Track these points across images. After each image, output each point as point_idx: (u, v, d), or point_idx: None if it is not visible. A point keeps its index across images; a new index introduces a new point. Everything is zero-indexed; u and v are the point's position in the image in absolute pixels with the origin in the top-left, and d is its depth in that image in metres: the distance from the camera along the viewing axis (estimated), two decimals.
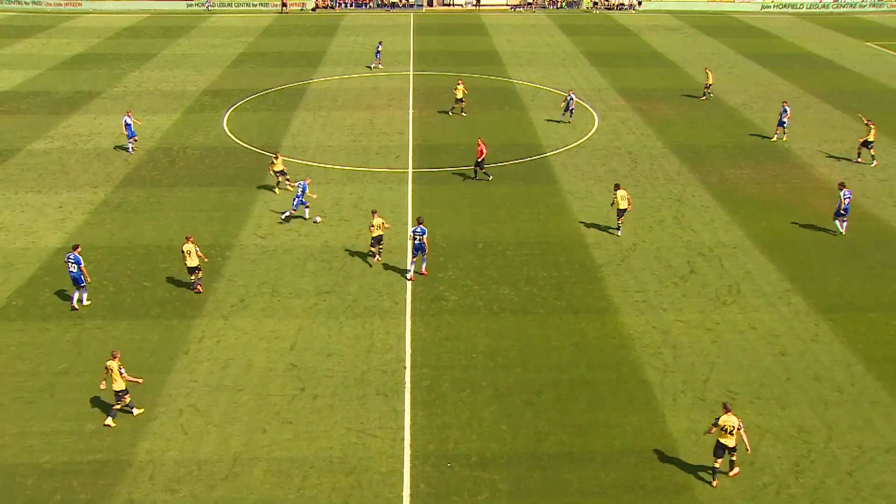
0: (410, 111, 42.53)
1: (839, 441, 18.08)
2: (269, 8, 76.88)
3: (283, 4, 76.03)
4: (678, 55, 57.31)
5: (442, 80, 48.97)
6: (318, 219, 28.94)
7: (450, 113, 41.53)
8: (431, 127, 39.87)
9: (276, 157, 31.34)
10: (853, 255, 26.84)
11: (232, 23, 69.83)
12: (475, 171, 32.81)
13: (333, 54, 56.59)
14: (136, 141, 36.38)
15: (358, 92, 46.39)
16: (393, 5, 77.52)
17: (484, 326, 22.44)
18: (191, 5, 76.94)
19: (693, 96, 46.01)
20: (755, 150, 37.10)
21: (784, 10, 79.71)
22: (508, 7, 78.64)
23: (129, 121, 35.80)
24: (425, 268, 25.30)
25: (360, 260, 26.21)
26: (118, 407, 18.56)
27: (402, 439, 18.04)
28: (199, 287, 24.11)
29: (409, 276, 25.01)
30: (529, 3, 78.75)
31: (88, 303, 23.57)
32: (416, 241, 24.71)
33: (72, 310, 23.20)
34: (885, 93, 47.71)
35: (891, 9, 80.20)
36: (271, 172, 31.51)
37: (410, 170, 34.14)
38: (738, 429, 16.53)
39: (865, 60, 56.10)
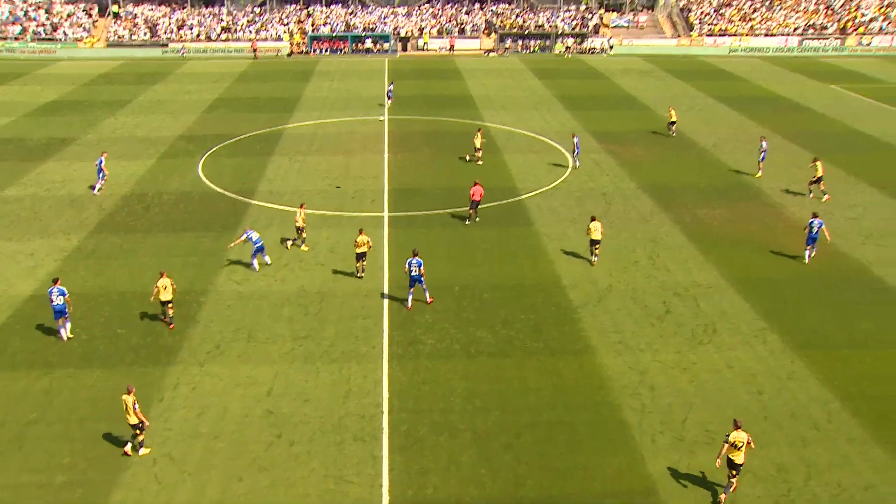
0: (386, 155, 42.88)
1: (818, 479, 18.18)
2: (244, 54, 77.54)
3: (254, 51, 76.68)
4: (650, 98, 58.44)
5: (416, 125, 49.50)
6: (268, 259, 28.82)
7: (467, 159, 41.56)
8: (407, 171, 40.19)
9: (302, 208, 30.42)
10: (826, 292, 27.26)
11: (207, 69, 70.29)
12: (470, 215, 33.00)
13: (309, 99, 57.07)
14: (104, 182, 37.04)
15: (334, 137, 46.73)
16: (367, 51, 78.54)
17: (461, 369, 22.42)
18: (166, 52, 77.41)
19: (662, 134, 46.84)
20: (727, 189, 37.76)
21: (751, 53, 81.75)
22: (482, 52, 79.94)
23: (101, 162, 36.96)
24: (429, 296, 25.95)
25: (337, 304, 26.17)
26: (140, 436, 18.75)
27: (381, 485, 17.87)
28: (169, 320, 24.54)
29: (407, 306, 25.67)
30: (504, 48, 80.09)
31: (72, 334, 24.02)
32: (412, 273, 25.26)
33: (66, 339, 23.80)
34: (849, 134, 48.90)
35: (852, 53, 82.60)
36: (296, 226, 30.40)
37: (386, 213, 34.31)
38: (748, 444, 17.16)
39: (830, 103, 57.55)
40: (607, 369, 22.42)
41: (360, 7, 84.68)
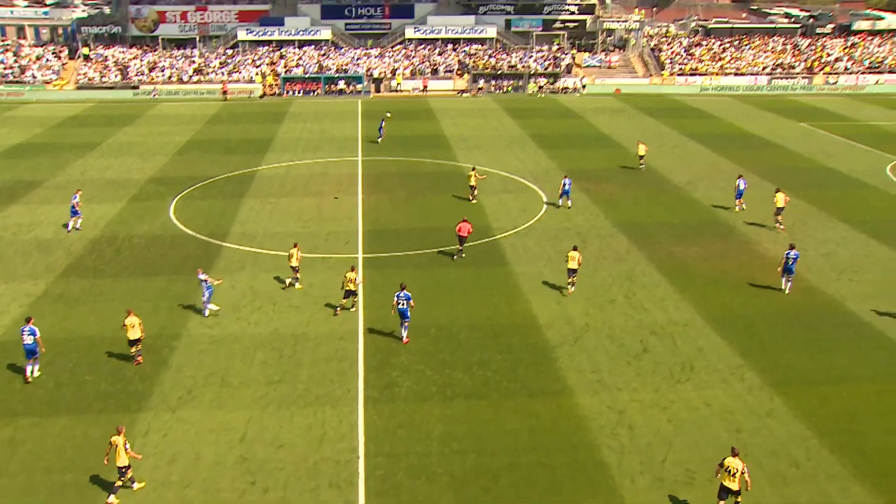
0: (360, 197, 43.05)
1: None
2: (217, 96, 77.84)
3: (224, 93, 76.99)
4: (623, 136, 59.39)
5: (391, 166, 49.84)
6: (215, 307, 28.56)
7: (470, 199, 41.78)
8: (381, 212, 40.34)
9: (296, 248, 30.37)
10: (802, 328, 27.59)
11: (178, 111, 70.42)
12: (458, 251, 33.61)
13: (282, 141, 57.30)
14: (81, 220, 37.42)
15: (307, 178, 46.87)
16: (340, 92, 79.19)
17: (438, 412, 22.32)
18: (137, 94, 77.54)
19: (632, 169, 47.49)
20: (702, 227, 38.29)
21: (721, 92, 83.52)
22: (455, 92, 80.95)
23: (75, 201, 37.38)
24: (406, 336, 26.24)
25: (311, 347, 26.03)
26: (120, 483, 18.56)
27: None
28: (139, 359, 24.68)
29: (403, 340, 26.18)
30: (478, 88, 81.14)
31: (39, 374, 23.90)
32: (400, 307, 25.77)
33: (25, 382, 23.48)
34: (820, 170, 49.95)
35: (819, 92, 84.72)
36: (290, 266, 30.48)
37: (360, 255, 34.34)
38: (742, 472, 17.53)
39: (800, 140, 58.84)
40: (585, 409, 22.44)
41: (332, 48, 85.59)
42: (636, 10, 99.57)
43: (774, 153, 54.40)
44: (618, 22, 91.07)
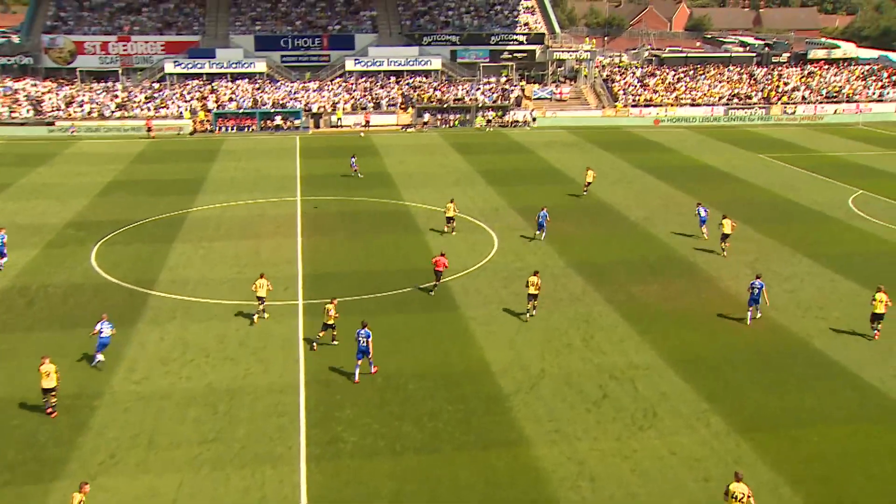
0: (299, 239, 42.89)
1: None
2: (142, 133, 77.07)
3: (149, 129, 76.01)
4: (576, 171, 60.43)
5: (331, 205, 49.84)
6: (100, 357, 28.09)
7: (448, 231, 43.43)
8: (322, 255, 40.23)
9: (262, 277, 31.72)
10: (768, 368, 28.17)
11: (100, 149, 69.52)
12: (435, 286, 35.04)
13: (214, 181, 56.91)
14: (5, 260, 37.52)
15: (242, 220, 46.56)
16: (277, 128, 79.18)
17: (387, 468, 22.13)
18: (52, 130, 76.33)
19: (591, 212, 48.30)
20: (661, 264, 39.02)
21: (677, 123, 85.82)
22: (399, 127, 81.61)
23: (3, 240, 37.73)
24: (374, 366, 27.41)
25: (249, 402, 25.64)
26: None
27: None
28: (53, 412, 24.44)
29: (355, 380, 26.84)
30: (423, 123, 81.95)
31: None
32: (361, 345, 26.64)
33: None
34: (781, 203, 51.48)
35: (777, 122, 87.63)
36: (257, 296, 31.69)
37: (301, 301, 34.12)
38: (749, 496, 18.88)
39: (760, 172, 60.64)
40: (543, 461, 22.48)
41: (268, 82, 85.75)
42: (587, 39, 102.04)
43: (734, 186, 55.90)
44: (568, 52, 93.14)
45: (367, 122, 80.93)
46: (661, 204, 50.56)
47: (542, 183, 56.62)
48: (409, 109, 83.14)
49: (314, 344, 29.34)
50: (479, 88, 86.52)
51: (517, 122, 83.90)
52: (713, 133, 79.98)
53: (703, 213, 42.92)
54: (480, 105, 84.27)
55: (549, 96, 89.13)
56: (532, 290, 31.78)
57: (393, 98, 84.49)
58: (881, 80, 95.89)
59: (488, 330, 31.18)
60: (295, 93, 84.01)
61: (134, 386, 26.73)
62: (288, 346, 29.52)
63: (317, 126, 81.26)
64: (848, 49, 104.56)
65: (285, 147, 70.73)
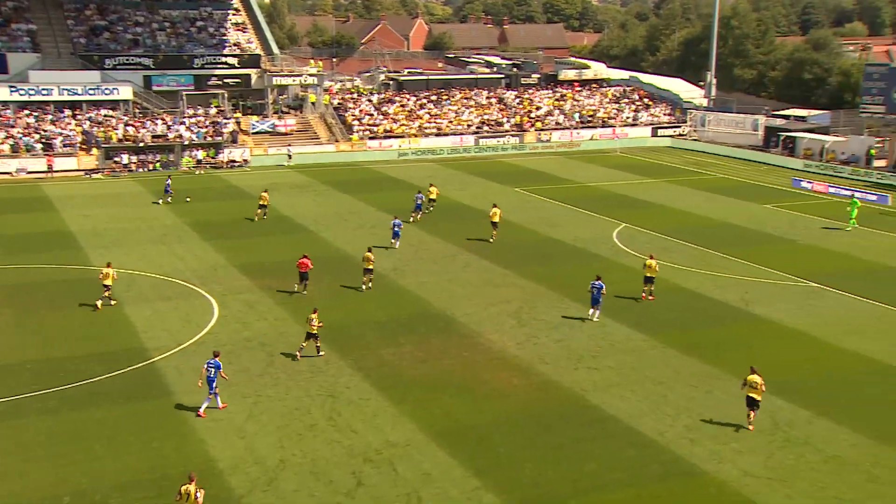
0: None
1: None
2: None
3: None
4: (309, 217, 60.71)
5: None
6: None
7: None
8: None
9: (109, 267, 40.95)
10: (542, 432, 29.47)
11: None
12: (299, 288, 42.71)
13: None
14: None
15: None
16: None
17: None
18: None
19: (332, 265, 48.56)
20: (414, 321, 39.88)
21: (424, 156, 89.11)
22: (82, 173, 77.84)
23: None
24: (220, 402, 30.38)
25: None
26: None
27: None
28: None
29: (199, 413, 29.99)
30: (113, 166, 78.77)
31: None
32: (209, 376, 29.72)
33: None
34: (543, 242, 54.74)
35: (533, 151, 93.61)
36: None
37: None
38: (761, 385, 29.50)
39: (517, 207, 64.15)
40: None
41: None
42: (312, 61, 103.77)
43: (488, 224, 58.66)
44: (291, 77, 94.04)
45: (51, 166, 76.47)
46: (411, 252, 51.91)
47: (270, 234, 56.30)
48: (95, 150, 79.68)
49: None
50: (183, 122, 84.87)
51: (235, 162, 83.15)
52: (463, 166, 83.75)
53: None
54: (187, 143, 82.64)
55: (270, 129, 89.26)
56: (312, 329, 34.88)
57: (70, 137, 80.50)
58: (633, 103, 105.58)
59: (211, 418, 30.21)
60: None
61: None
62: None
63: None
64: (598, 69, 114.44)
65: None
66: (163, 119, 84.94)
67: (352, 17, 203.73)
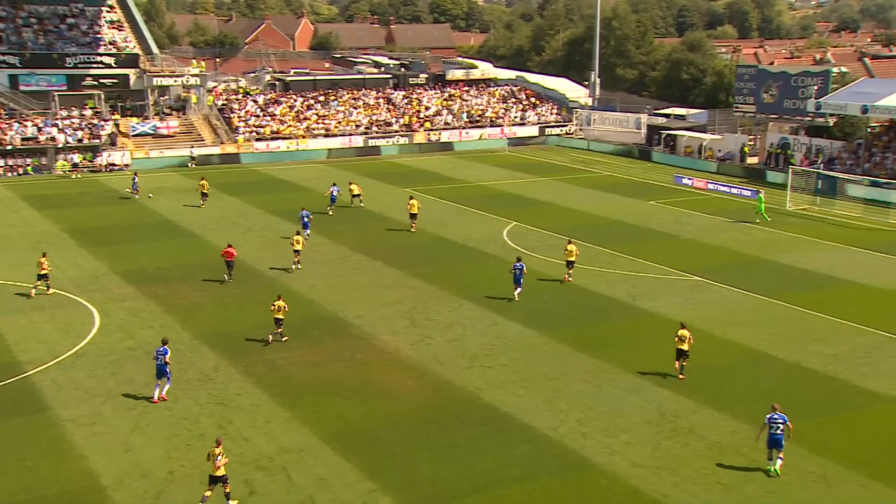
0: None
1: None
2: None
3: None
4: (195, 221, 59.53)
5: None
6: None
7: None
8: None
9: (44, 257, 42.72)
10: (437, 431, 29.47)
11: None
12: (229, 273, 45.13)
13: None
14: None
15: None
16: None
17: None
18: None
19: (220, 270, 47.56)
20: (306, 325, 39.42)
21: (313, 158, 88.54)
22: None
23: None
24: (166, 392, 31.47)
25: None
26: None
27: None
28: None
29: (154, 399, 31.01)
30: None
31: None
32: (158, 363, 31.02)
33: None
34: (433, 242, 54.86)
35: (423, 151, 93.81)
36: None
37: None
38: (689, 339, 33.35)
39: (406, 207, 63.97)
40: None
41: None
42: (195, 61, 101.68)
43: (378, 224, 58.50)
44: (172, 77, 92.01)
45: None
46: (303, 254, 51.26)
47: (155, 239, 55.08)
48: None
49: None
50: (55, 124, 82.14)
51: (115, 165, 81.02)
52: (353, 167, 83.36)
53: (334, 192, 53.39)
54: (61, 146, 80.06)
55: (152, 132, 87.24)
56: (279, 315, 36.96)
57: None
58: (521, 102, 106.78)
59: (92, 432, 29.27)
60: None
61: None
62: None
63: None
64: (486, 69, 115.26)
65: None
66: (33, 121, 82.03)
67: (235, 17, 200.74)
